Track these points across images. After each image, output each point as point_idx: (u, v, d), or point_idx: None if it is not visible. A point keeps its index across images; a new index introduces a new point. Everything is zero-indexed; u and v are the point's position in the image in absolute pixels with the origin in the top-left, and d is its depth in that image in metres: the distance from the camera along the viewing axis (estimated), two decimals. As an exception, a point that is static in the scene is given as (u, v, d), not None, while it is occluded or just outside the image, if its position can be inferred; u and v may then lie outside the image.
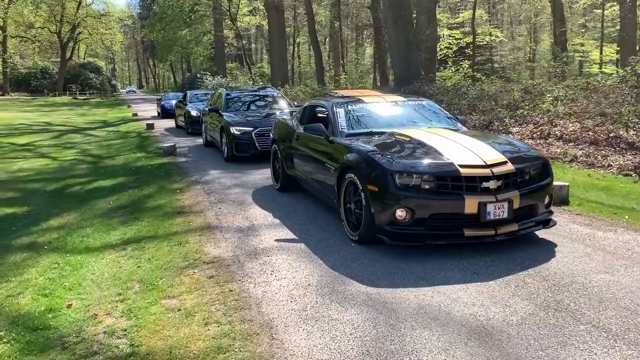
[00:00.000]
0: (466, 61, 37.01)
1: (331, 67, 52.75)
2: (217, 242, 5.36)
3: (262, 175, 9.06)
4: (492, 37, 45.49)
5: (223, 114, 11.32)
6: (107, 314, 3.85)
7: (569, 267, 4.28)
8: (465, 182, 4.50)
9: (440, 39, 38.91)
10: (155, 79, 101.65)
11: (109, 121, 25.06)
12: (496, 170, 4.56)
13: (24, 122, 24.06)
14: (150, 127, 19.12)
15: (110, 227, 6.31)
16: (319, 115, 7.09)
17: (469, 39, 39.19)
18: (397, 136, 5.44)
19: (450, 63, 38.29)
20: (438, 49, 34.33)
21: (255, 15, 51.32)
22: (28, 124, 22.88)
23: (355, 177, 4.93)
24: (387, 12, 20.25)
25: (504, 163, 4.67)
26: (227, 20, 47.82)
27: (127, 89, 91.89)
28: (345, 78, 43.58)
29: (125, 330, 3.55)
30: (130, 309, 3.88)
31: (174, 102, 24.94)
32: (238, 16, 47.00)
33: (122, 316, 3.78)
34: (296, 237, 5.38)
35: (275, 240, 5.33)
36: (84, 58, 79.99)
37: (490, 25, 49.53)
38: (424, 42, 23.41)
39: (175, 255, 5.05)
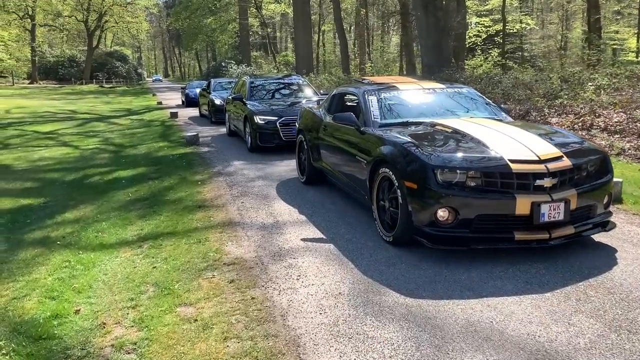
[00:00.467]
0: (495, 49, 35.98)
1: (356, 55, 52.03)
2: (239, 241, 4.95)
3: (287, 167, 8.64)
4: (523, 25, 44.23)
5: (247, 102, 10.91)
6: (116, 323, 3.47)
7: (636, 278, 3.77)
8: (517, 179, 4.00)
9: (469, 27, 37.90)
10: (180, 67, 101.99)
11: (134, 109, 24.92)
12: (551, 166, 4.04)
13: (49, 109, 24.05)
14: (174, 115, 18.85)
15: (127, 222, 5.97)
16: (348, 103, 6.62)
17: (499, 26, 38.11)
18: (437, 127, 4.94)
19: (479, 51, 37.26)
20: (466, 37, 33.45)
21: (280, 3, 50.77)
22: (53, 112, 22.84)
23: (390, 172, 4.47)
24: (416, -3, 19.54)
25: (560, 158, 4.15)
26: (252, 8, 47.44)
27: (153, 78, 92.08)
28: (371, 66, 42.91)
29: (135, 343, 3.17)
30: (142, 317, 3.50)
31: (198, 90, 24.68)
32: (263, 4, 46.55)
33: (132, 326, 3.40)
34: (324, 237, 4.95)
35: (301, 239, 4.90)
36: (111, 47, 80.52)
37: (520, 12, 48.12)
38: (453, 29, 22.67)
39: (194, 254, 4.66)
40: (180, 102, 27.70)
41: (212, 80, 18.64)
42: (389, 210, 4.62)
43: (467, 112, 5.67)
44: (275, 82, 12.06)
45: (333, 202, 6.23)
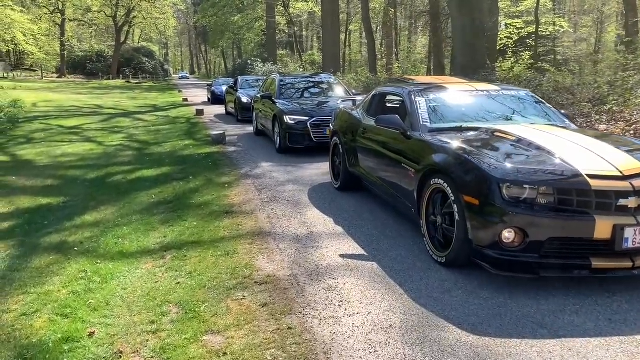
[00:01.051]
0: (527, 52, 35.03)
1: (383, 55, 51.40)
2: (271, 255, 4.48)
3: (318, 171, 8.16)
4: (557, 27, 43.13)
5: (276, 101, 10.46)
6: (134, 352, 3.03)
7: None
8: (597, 197, 3.45)
9: (500, 28, 36.95)
10: (206, 65, 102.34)
11: (159, 106, 24.71)
12: (637, 183, 3.49)
13: (75, 104, 23.96)
14: (199, 113, 18.52)
15: (149, 227, 5.55)
16: (390, 105, 6.12)
17: (531, 28, 37.17)
18: (497, 134, 4.40)
19: (509, 54, 36.33)
20: (498, 39, 32.67)
21: (307, 2, 50.39)
22: (79, 106, 22.73)
23: (445, 184, 3.95)
24: (451, -4, 18.91)
25: (646, 174, 3.59)
26: (279, 6, 47.16)
27: (180, 75, 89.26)
28: (398, 67, 42.24)
29: (154, 381, 2.72)
30: (163, 346, 3.05)
31: (224, 88, 24.36)
32: (290, 2, 46.21)
33: (152, 357, 2.95)
34: (365, 253, 4.45)
35: (340, 255, 4.41)
36: (138, 42, 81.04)
37: (554, 14, 46.92)
38: (488, 30, 21.97)
39: (221, 269, 4.20)
40: (206, 99, 27.43)
41: (239, 78, 18.27)
42: (441, 226, 4.11)
43: (526, 117, 5.11)
44: (306, 81, 11.60)
45: (371, 211, 5.73)
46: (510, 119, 5.04)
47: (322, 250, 4.54)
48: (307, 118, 9.39)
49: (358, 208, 5.89)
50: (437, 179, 4.09)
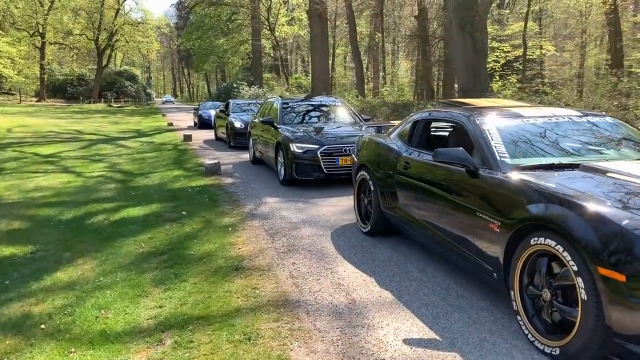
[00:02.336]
0: (514, 75, 34.65)
1: (370, 79, 50.90)
2: (309, 340, 3.30)
3: (334, 208, 7.03)
4: (543, 51, 43.04)
5: (279, 127, 9.35)
6: None
7: None
8: None
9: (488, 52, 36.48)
10: (189, 88, 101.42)
11: (143, 131, 23.46)
12: None
13: (53, 129, 22.61)
14: (187, 138, 17.33)
15: (139, 291, 4.33)
16: (436, 133, 5.05)
17: (518, 52, 36.91)
18: (612, 174, 3.29)
19: (497, 77, 35.87)
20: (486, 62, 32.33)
21: (293, 25, 49.89)
22: (57, 132, 21.39)
23: (559, 248, 2.84)
24: (453, 15, 18.12)
25: None
26: (265, 30, 46.52)
27: (164, 99, 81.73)
28: (386, 90, 41.61)
29: None
30: None
31: (212, 111, 23.32)
32: (276, 26, 45.59)
33: None
34: (437, 337, 3.29)
35: (403, 341, 3.25)
36: (121, 66, 79.79)
37: (540, 38, 46.85)
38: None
39: (244, 366, 3.01)
40: (193, 124, 26.28)
41: (231, 102, 17.15)
42: (548, 304, 2.98)
43: (619, 149, 4.04)
44: (310, 104, 10.49)
45: (420, 267, 4.58)
46: (600, 152, 3.96)
47: (377, 332, 3.37)
48: (316, 146, 8.28)
49: (400, 261, 4.74)
50: (543, 239, 2.97)
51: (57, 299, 4.27)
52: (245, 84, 42.12)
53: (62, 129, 23.10)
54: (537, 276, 3.11)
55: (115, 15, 63.19)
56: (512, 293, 3.28)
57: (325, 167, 8.19)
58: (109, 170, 11.30)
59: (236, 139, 14.60)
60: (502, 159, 3.69)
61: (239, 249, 5.32)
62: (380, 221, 5.36)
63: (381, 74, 51.65)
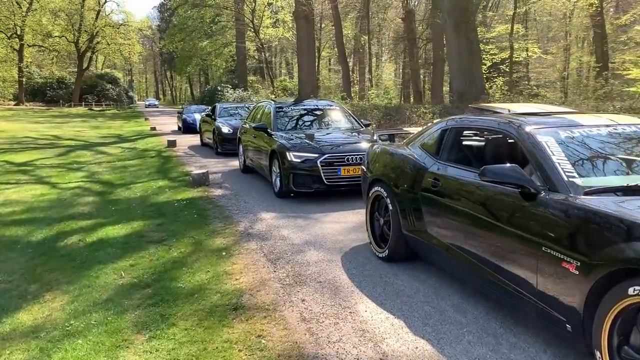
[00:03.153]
0: (500, 78, 34.32)
1: (356, 82, 50.39)
2: (339, 418, 2.55)
3: (339, 225, 6.29)
4: (530, 53, 42.89)
5: (273, 134, 8.59)
6: None
7: None
8: None
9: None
10: (172, 91, 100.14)
11: (125, 136, 22.50)
12: None
13: (30, 134, 21.58)
14: (171, 144, 16.47)
15: (119, 339, 3.54)
16: (469, 143, 4.33)
17: (504, 54, 36.66)
18: None
19: (484, 80, 35.51)
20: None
21: (278, 27, 49.14)
22: (34, 137, 20.36)
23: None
24: (447, 17, 17.51)
25: None
26: (249, 32, 45.73)
27: (148, 102, 76.24)
28: (374, 92, 41.06)
29: None
30: None
31: (197, 115, 22.51)
32: (261, 28, 44.80)
33: None
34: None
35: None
36: (102, 69, 78.28)
37: (527, 40, 46.75)
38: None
39: None
40: (177, 128, 25.39)
41: (218, 105, 16.33)
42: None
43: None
44: (306, 109, 9.72)
45: (456, 305, 3.84)
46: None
47: (424, 404, 2.63)
48: (316, 155, 7.53)
49: (430, 297, 4.01)
50: (646, 289, 2.27)
51: (15, 353, 3.46)
52: (230, 86, 41.33)
53: (39, 134, 22.06)
54: (636, 335, 2.40)
55: (96, 17, 61.95)
56: (597, 354, 2.56)
57: (326, 178, 7.45)
58: (87, 181, 10.43)
59: (224, 145, 13.81)
60: (570, 179, 2.97)
61: (237, 280, 4.55)
62: (401, 246, 4.63)
63: (367, 76, 51.16)
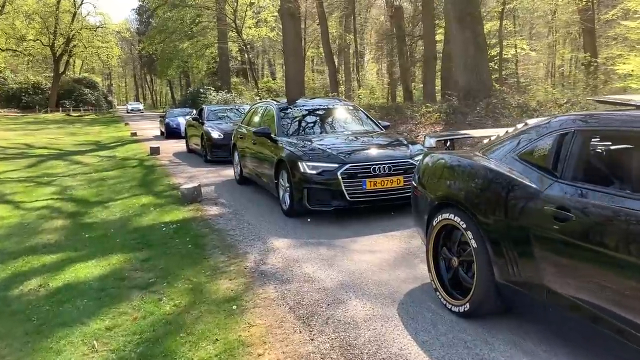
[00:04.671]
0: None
1: (342, 82, 49.14)
2: None
3: (375, 257, 4.93)
4: (518, 50, 42.07)
5: (279, 139, 7.20)
6: None
7: None
8: None
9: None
10: (152, 95, 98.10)
11: (103, 142, 20.90)
12: None
13: (-1, 143, 19.89)
14: (154, 151, 14.97)
15: None
16: (605, 152, 2.99)
17: (493, 51, 35.73)
18: None
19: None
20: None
21: (261, 27, 47.67)
22: (3, 147, 18.66)
23: None
24: (451, 8, 16.25)
25: None
26: (231, 33, 44.24)
27: (130, 107, 66.08)
28: (363, 92, 39.88)
29: None
30: None
31: (180, 119, 21.05)
32: (243, 28, 43.31)
33: None
34: None
35: None
36: (80, 73, 75.94)
37: (515, 37, 45.88)
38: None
39: None
40: (159, 133, 23.82)
41: (205, 108, 14.83)
42: None
43: None
44: (314, 109, 8.29)
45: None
46: None
47: None
48: (335, 165, 6.15)
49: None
50: None
51: None
52: (213, 89, 39.85)
53: (9, 143, 20.33)
54: None
55: (72, 20, 59.77)
56: None
57: (348, 193, 6.08)
58: (57, 198, 8.92)
59: (214, 152, 12.37)
60: None
61: (260, 357, 3.15)
62: (490, 298, 3.27)
63: (354, 76, 49.97)
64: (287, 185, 6.62)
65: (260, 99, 34.68)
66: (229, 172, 10.55)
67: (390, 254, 4.99)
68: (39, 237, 6.35)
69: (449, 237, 3.71)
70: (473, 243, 3.31)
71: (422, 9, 33.28)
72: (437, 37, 34.79)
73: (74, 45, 61.77)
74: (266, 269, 4.72)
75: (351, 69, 51.74)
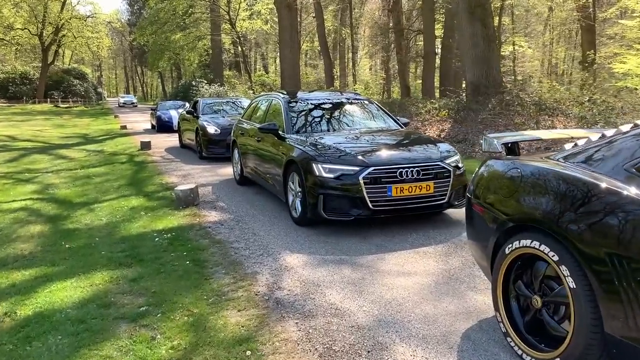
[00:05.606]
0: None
1: (337, 76, 48.30)
2: None
3: (410, 280, 4.12)
4: (516, 47, 41.56)
5: (287, 137, 6.36)
6: None
7: None
8: None
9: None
10: (143, 87, 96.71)
11: (91, 136, 19.93)
12: None
13: (-19, 135, 18.87)
14: (145, 146, 14.07)
15: None
16: None
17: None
18: None
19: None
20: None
21: (255, 19, 46.69)
22: (-16, 139, 17.69)
23: None
24: (460, 0, 15.44)
25: None
26: (225, 24, 43.25)
27: (122, 100, 59.47)
28: (359, 87, 39.12)
29: None
30: None
31: (172, 112, 20.14)
32: (237, 20, 42.29)
33: None
34: None
35: None
36: (69, 64, 74.42)
37: (514, 34, 45.21)
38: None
39: None
40: (150, 126, 22.87)
41: (200, 101, 13.90)
42: None
43: None
44: (326, 103, 7.42)
45: None
46: None
47: None
48: (356, 168, 5.32)
49: None
50: None
51: None
52: (205, 81, 38.90)
53: (-8, 134, 19.34)
54: None
55: (61, 9, 58.31)
56: None
57: (371, 201, 5.25)
58: (37, 198, 8.04)
59: (210, 148, 11.49)
60: None
61: None
62: (595, 355, 2.47)
63: (351, 70, 49.20)
64: (298, 189, 5.79)
65: (254, 93, 33.82)
66: (227, 171, 9.71)
67: (428, 278, 4.18)
68: (11, 247, 5.48)
69: (526, 269, 2.90)
70: (570, 282, 2.50)
71: (422, 3, 32.47)
72: (437, 32, 34.04)
73: (63, 35, 60.36)
74: (282, 297, 3.89)
75: (346, 63, 50.94)
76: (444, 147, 5.97)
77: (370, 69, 65.23)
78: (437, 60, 34.97)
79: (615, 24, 36.14)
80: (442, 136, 13.10)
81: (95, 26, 64.33)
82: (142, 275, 4.42)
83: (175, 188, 7.21)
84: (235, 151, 8.57)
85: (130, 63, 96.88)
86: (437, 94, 28.38)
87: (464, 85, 27.97)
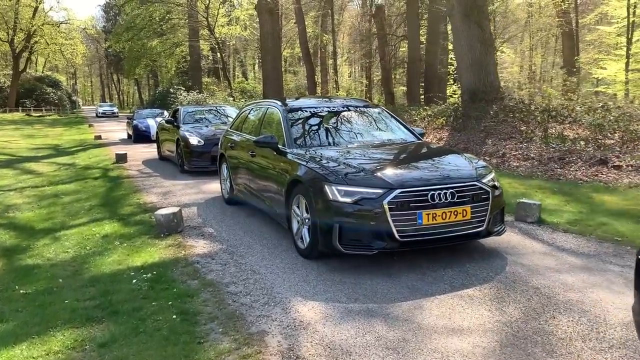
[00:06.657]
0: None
1: (319, 83, 47.42)
2: None
3: (466, 342, 3.18)
4: (499, 53, 41.17)
5: (289, 152, 5.38)
6: None
7: None
8: None
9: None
10: (119, 95, 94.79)
11: (63, 147, 18.67)
12: None
13: (-58, 147, 17.49)
14: (121, 158, 12.94)
15: None
16: None
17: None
18: None
19: (451, 80, 33.10)
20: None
21: (234, 25, 45.72)
22: (-55, 152, 16.34)
23: None
24: (455, 2, 14.65)
25: None
26: (204, 30, 42.16)
27: (101, 109, 52.08)
28: (340, 95, 38.28)
29: None
30: None
31: (150, 121, 19.01)
32: (216, 26, 41.20)
33: None
34: None
35: None
36: (42, 71, 72.32)
37: (498, 40, 44.79)
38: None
39: None
40: (126, 136, 21.65)
41: (181, 109, 12.79)
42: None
43: None
44: (333, 112, 6.42)
45: None
46: None
47: None
48: (379, 191, 4.35)
49: None
50: None
51: None
52: (183, 89, 37.68)
53: (-46, 146, 17.97)
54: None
55: (33, 14, 56.49)
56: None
57: (398, 231, 4.29)
58: (-7, 224, 6.92)
59: (192, 162, 10.43)
60: None
61: None
62: None
63: (332, 77, 48.39)
64: (305, 216, 4.80)
65: (234, 100, 32.71)
66: (213, 187, 8.68)
67: (488, 337, 3.23)
68: (-49, 294, 4.39)
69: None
70: None
71: (406, 8, 31.80)
72: (421, 38, 33.33)
73: (36, 42, 58.56)
74: (305, 373, 2.90)
75: (328, 69, 50.12)
76: (479, 163, 5.06)
77: (350, 76, 64.60)
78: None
79: (593, 30, 36.00)
80: (442, 145, 12.24)
81: (69, 32, 62.64)
82: (116, 338, 3.39)
83: (156, 212, 6.15)
84: (224, 166, 7.55)
85: (106, 70, 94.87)
86: (421, 100, 27.71)
87: (451, 91, 27.35)
